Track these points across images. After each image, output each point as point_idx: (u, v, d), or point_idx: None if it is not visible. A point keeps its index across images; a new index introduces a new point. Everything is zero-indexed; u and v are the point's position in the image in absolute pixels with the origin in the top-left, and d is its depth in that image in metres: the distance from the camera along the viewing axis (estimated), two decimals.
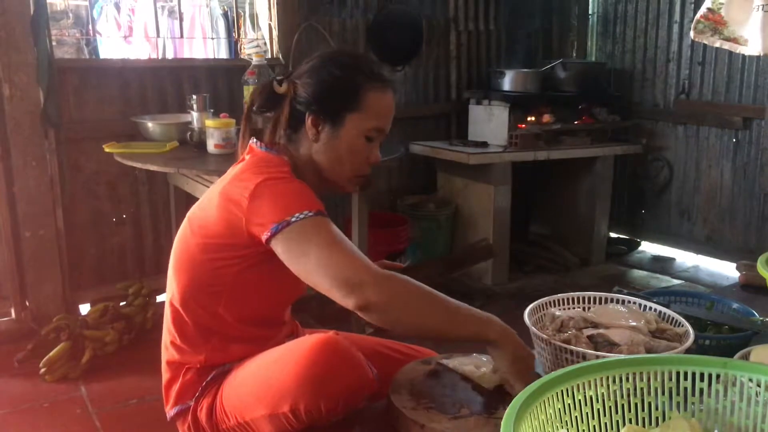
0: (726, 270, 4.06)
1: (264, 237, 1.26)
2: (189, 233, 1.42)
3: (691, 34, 2.26)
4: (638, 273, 4.22)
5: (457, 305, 1.25)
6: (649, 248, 4.59)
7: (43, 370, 2.73)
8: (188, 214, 1.46)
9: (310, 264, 1.23)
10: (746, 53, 2.17)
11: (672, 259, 4.41)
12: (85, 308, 3.29)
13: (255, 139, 1.46)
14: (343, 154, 1.41)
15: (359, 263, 1.21)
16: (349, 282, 1.18)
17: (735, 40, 2.13)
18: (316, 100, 1.40)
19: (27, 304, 3.16)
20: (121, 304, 3.19)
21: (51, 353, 2.76)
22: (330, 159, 1.42)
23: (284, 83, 1.43)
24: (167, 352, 1.47)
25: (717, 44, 2.19)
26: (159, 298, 3.23)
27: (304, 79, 1.42)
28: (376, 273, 1.20)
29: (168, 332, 1.47)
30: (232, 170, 1.42)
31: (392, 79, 1.46)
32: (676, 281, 4.04)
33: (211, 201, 1.40)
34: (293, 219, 1.24)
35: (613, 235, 4.58)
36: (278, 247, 1.26)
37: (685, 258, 4.40)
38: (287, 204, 1.27)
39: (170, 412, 1.46)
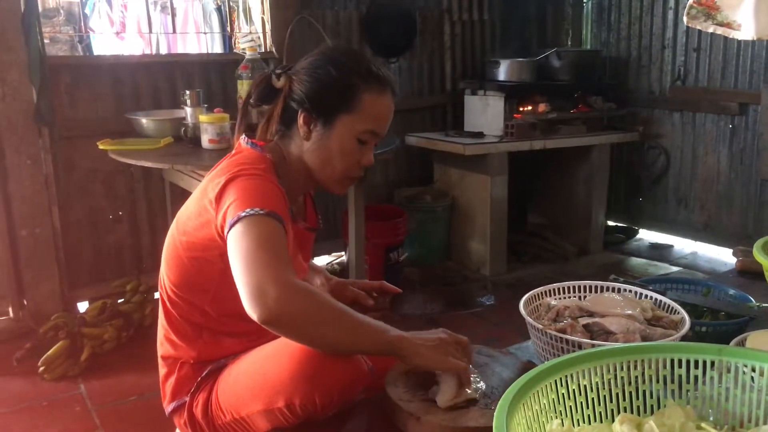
0: (723, 256, 4.07)
1: (225, 232, 1.24)
2: (175, 231, 1.41)
3: (684, 19, 2.24)
4: (636, 261, 4.22)
5: (366, 321, 1.20)
6: (646, 236, 4.59)
7: (41, 368, 2.72)
8: (178, 212, 1.46)
9: (235, 262, 1.18)
10: (740, 38, 2.16)
11: (670, 247, 4.41)
12: (83, 306, 3.29)
13: (244, 135, 1.45)
14: (334, 155, 1.39)
15: (275, 273, 1.14)
16: (256, 290, 1.12)
17: (728, 25, 2.12)
18: (310, 99, 1.38)
19: (25, 302, 3.16)
20: (119, 301, 3.19)
21: (49, 352, 2.76)
22: (320, 159, 1.40)
23: (282, 77, 1.42)
24: (162, 347, 1.48)
25: (710, 29, 2.18)
26: (156, 295, 3.21)
27: (301, 75, 1.40)
28: (284, 286, 1.13)
29: (162, 327, 1.47)
30: (215, 167, 1.41)
31: (392, 81, 1.43)
32: (674, 268, 4.05)
33: (193, 199, 1.40)
34: (243, 214, 1.21)
35: (610, 223, 4.58)
36: (228, 240, 1.22)
37: (682, 245, 4.40)
38: (247, 199, 1.23)
39: (168, 407, 1.47)
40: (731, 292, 1.63)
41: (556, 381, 0.92)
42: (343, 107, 1.37)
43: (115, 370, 2.81)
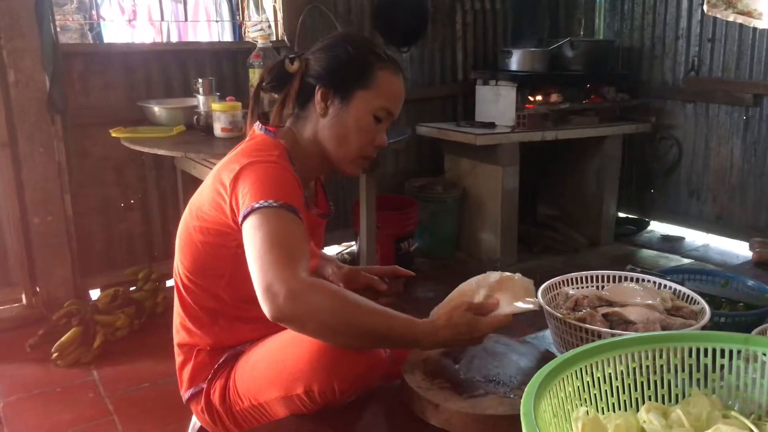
0: (736, 248, 4.04)
1: (239, 220, 1.25)
2: (189, 217, 1.42)
3: (704, 8, 2.23)
4: (647, 253, 4.20)
5: (378, 321, 1.19)
6: (658, 228, 4.57)
7: (55, 355, 2.74)
8: (191, 198, 1.46)
9: (249, 256, 1.19)
10: (760, 27, 2.14)
11: (681, 239, 4.38)
12: (94, 294, 3.30)
13: (258, 122, 1.46)
14: (350, 131, 1.40)
15: (284, 273, 1.14)
16: (268, 289, 1.13)
17: (749, 14, 2.10)
18: (329, 74, 1.39)
19: (37, 290, 3.18)
20: (131, 289, 3.20)
21: (62, 338, 2.77)
22: (336, 135, 1.41)
23: (296, 62, 1.43)
24: (178, 335, 1.48)
25: (730, 18, 2.16)
26: (168, 283, 3.24)
27: (318, 54, 1.42)
28: (293, 286, 1.13)
29: (177, 315, 1.48)
30: (230, 153, 1.41)
31: (403, 66, 1.47)
32: (685, 260, 4.02)
33: (206, 184, 1.40)
34: (257, 205, 1.21)
35: (621, 215, 4.56)
36: (243, 232, 1.24)
37: (694, 237, 4.38)
38: (262, 189, 1.24)
39: (185, 395, 1.47)
40: (750, 283, 1.62)
41: (581, 369, 0.91)
42: (361, 83, 1.38)
43: (127, 357, 2.83)
